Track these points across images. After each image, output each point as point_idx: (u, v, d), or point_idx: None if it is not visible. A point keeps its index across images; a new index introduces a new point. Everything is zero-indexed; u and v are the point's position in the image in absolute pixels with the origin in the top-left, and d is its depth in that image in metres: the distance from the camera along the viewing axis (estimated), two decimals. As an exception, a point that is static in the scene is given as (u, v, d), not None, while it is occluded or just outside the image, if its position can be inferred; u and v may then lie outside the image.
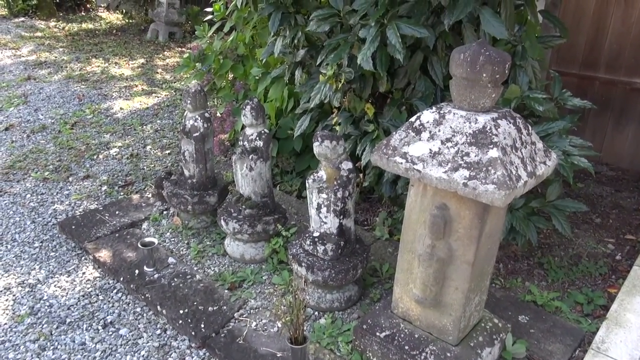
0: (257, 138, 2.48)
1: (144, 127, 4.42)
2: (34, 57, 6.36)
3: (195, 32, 4.28)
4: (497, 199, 1.43)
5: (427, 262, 1.74)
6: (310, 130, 3.07)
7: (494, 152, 1.49)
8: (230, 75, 4.08)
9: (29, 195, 3.27)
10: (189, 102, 2.67)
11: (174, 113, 4.75)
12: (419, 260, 1.77)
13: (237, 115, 3.69)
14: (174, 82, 5.69)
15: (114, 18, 9.52)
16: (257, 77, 3.44)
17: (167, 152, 3.98)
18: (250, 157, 2.47)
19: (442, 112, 1.66)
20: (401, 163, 1.63)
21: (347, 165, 2.13)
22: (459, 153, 1.55)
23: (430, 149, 1.60)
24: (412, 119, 1.71)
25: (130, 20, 8.90)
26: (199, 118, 2.71)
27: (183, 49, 7.43)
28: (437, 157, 1.58)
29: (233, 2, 3.72)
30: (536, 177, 1.59)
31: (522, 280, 2.51)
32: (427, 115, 1.68)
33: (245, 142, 2.51)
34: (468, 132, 1.56)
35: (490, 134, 1.52)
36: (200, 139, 2.71)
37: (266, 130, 2.51)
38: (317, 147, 2.10)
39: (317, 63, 2.67)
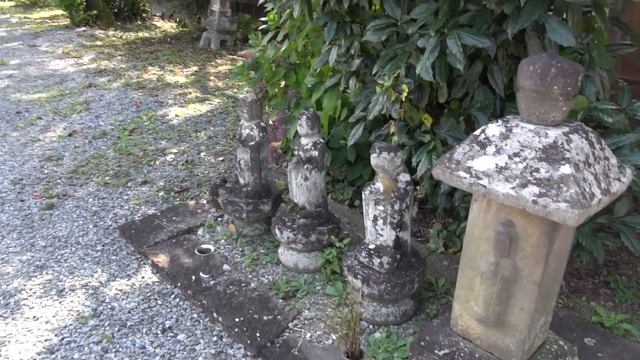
0: (313, 148, 2.49)
1: (198, 133, 4.53)
2: (94, 65, 6.65)
3: (249, 41, 4.35)
4: (569, 218, 1.37)
5: (491, 280, 1.69)
6: (363, 139, 3.06)
7: (566, 169, 1.43)
8: (282, 83, 4.13)
9: (91, 200, 3.41)
10: (245, 111, 2.72)
11: (226, 120, 4.84)
12: (482, 278, 1.72)
13: (289, 123, 3.73)
14: (226, 90, 5.81)
15: (169, 27, 9.84)
16: (310, 86, 3.45)
17: (220, 159, 4.06)
18: (305, 166, 2.48)
19: (508, 125, 1.61)
20: (465, 178, 1.59)
21: (405, 177, 2.10)
22: (527, 169, 1.49)
23: (496, 164, 1.56)
24: (477, 132, 1.66)
25: (184, 29, 9.17)
26: (255, 127, 2.75)
27: (234, 56, 7.59)
28: (503, 173, 1.53)
29: (287, 12, 3.77)
30: (610, 195, 1.52)
31: (587, 299, 2.40)
32: (493, 129, 1.63)
33: (301, 152, 2.52)
34: (537, 147, 1.50)
35: (562, 149, 1.46)
36: (255, 148, 2.74)
37: (321, 140, 2.51)
38: (374, 159, 2.08)
39: (373, 73, 2.66)
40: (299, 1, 2.79)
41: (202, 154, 4.15)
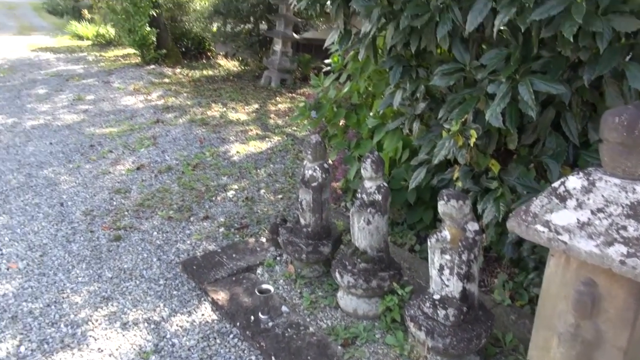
0: (376, 192, 2.47)
1: (258, 170, 4.62)
2: (162, 102, 6.99)
3: (308, 80, 4.44)
4: (664, 283, 1.27)
5: (570, 343, 1.58)
6: (425, 182, 3.01)
7: (658, 229, 1.33)
8: (342, 121, 4.17)
9: (155, 233, 3.51)
10: (309, 152, 2.75)
11: (285, 158, 4.92)
12: (559, 340, 1.61)
13: (349, 163, 3.74)
14: (286, 127, 5.93)
15: (231, 65, 10.25)
16: (371, 127, 3.46)
17: (280, 196, 4.11)
18: (368, 210, 2.45)
19: (590, 178, 1.53)
20: (543, 232, 1.52)
21: (473, 226, 2.04)
22: (613, 226, 1.41)
23: (577, 219, 1.48)
24: (556, 184, 1.60)
25: (246, 67, 9.51)
26: (318, 168, 2.77)
27: (294, 94, 7.77)
28: (586, 229, 1.45)
29: (350, 54, 3.83)
30: None
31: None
32: (573, 181, 1.56)
33: (364, 195, 2.51)
34: (624, 203, 1.42)
35: (653, 208, 1.37)
36: (318, 189, 2.76)
37: (385, 184, 2.49)
38: (442, 206, 2.03)
39: (438, 117, 2.63)
40: (365, 45, 2.83)
41: (262, 191, 4.21)
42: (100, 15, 13.68)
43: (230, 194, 4.16)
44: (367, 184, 2.52)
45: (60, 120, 6.09)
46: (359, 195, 2.54)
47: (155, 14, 9.53)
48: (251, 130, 5.77)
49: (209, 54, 10.92)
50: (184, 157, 4.91)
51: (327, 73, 4.16)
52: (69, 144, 5.29)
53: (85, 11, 15.39)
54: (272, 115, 6.45)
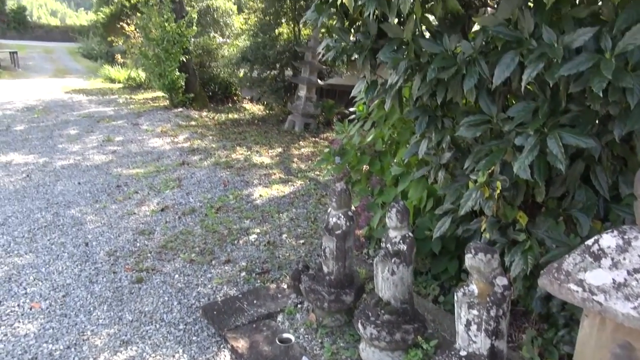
0: (401, 241, 2.44)
1: (281, 214, 4.63)
2: (188, 144, 7.14)
3: (332, 125, 4.50)
4: None
5: (608, 410, 1.50)
6: (450, 232, 2.97)
7: (700, 293, 1.28)
8: (365, 168, 4.18)
9: (177, 276, 3.52)
10: (334, 200, 2.75)
11: (308, 202, 4.93)
12: (596, 406, 1.53)
13: (372, 210, 3.72)
14: (308, 172, 5.97)
15: (256, 109, 10.48)
16: (396, 175, 3.46)
17: (302, 241, 4.09)
18: (392, 260, 2.42)
19: (626, 237, 1.49)
20: (577, 291, 1.47)
21: (502, 281, 1.99)
22: (651, 288, 1.36)
23: (613, 279, 1.43)
24: (589, 242, 1.56)
25: (270, 112, 9.71)
26: (342, 216, 2.76)
27: (317, 139, 7.87)
28: (622, 290, 1.40)
29: (375, 102, 3.89)
30: None
31: None
32: (608, 240, 1.52)
33: (388, 245, 2.48)
34: (663, 265, 1.37)
35: (693, 270, 1.32)
36: (342, 237, 2.74)
37: (410, 235, 2.47)
38: (469, 259, 1.99)
39: (465, 167, 2.62)
40: (391, 95, 2.87)
41: (284, 235, 4.21)
42: (132, 60, 14.24)
43: (252, 237, 4.16)
44: (392, 233, 2.49)
45: (89, 161, 6.25)
46: (383, 245, 2.52)
47: (185, 60, 9.87)
48: (274, 173, 5.83)
49: (235, 98, 11.21)
50: (208, 199, 4.97)
51: (351, 120, 4.21)
52: (96, 184, 5.40)
53: (118, 56, 16.04)
54: (296, 159, 6.51)
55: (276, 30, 8.83)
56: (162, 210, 4.71)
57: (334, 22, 3.10)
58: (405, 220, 2.46)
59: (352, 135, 4.13)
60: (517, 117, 2.27)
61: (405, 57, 2.62)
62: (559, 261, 1.58)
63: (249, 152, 6.76)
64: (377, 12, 2.59)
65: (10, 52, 17.27)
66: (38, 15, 48.26)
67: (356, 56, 3.04)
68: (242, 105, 10.87)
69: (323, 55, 3.22)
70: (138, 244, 4.00)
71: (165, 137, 7.60)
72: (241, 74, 10.02)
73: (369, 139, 3.93)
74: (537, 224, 2.49)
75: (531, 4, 2.30)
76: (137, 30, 12.82)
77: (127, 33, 13.99)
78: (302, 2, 8.45)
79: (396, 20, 2.73)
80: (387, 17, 2.65)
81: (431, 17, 2.83)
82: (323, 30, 3.20)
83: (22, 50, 19.56)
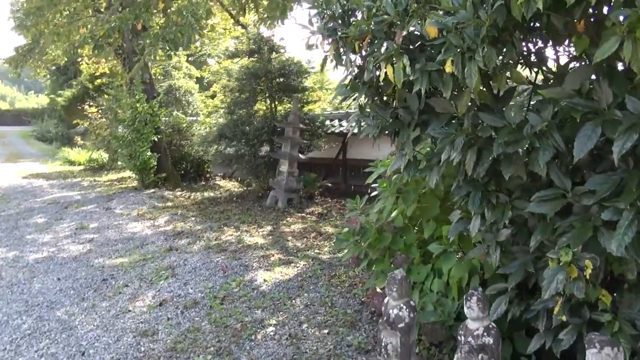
0: (485, 334, 2.17)
1: (293, 301, 4.25)
2: (170, 227, 6.69)
3: (347, 206, 4.27)
4: None
5: None
6: (508, 314, 2.72)
7: None
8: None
9: (198, 386, 3.04)
10: (394, 289, 2.47)
11: (318, 285, 4.58)
12: None
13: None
14: (308, 251, 5.65)
15: (231, 186, 10.18)
16: (437, 254, 3.23)
17: (326, 331, 3.71)
18: (479, 356, 2.13)
19: None
20: None
21: (633, 377, 1.73)
22: None
23: None
24: None
25: (248, 188, 9.42)
26: (404, 307, 2.47)
27: (303, 214, 7.61)
28: None
29: (395, 177, 3.71)
30: None
31: None
32: None
33: (470, 338, 2.20)
34: None
35: None
36: (406, 331, 2.43)
37: (494, 325, 2.20)
38: (594, 355, 1.74)
39: (531, 244, 2.43)
40: (440, 172, 2.69)
41: (304, 325, 3.81)
42: (93, 142, 13.78)
43: (270, 330, 3.74)
44: (473, 325, 2.22)
45: (65, 252, 5.69)
46: (462, 339, 2.23)
47: (156, 139, 9.58)
48: (272, 254, 5.46)
49: (207, 175, 10.89)
50: (209, 289, 4.52)
51: (371, 198, 3.99)
52: (78, 278, 4.86)
53: (78, 137, 15.52)
54: (290, 238, 6.19)
55: (254, 107, 8.75)
56: (160, 304, 4.23)
57: (367, 99, 2.96)
58: (487, 309, 2.21)
59: (364, 210, 3.92)
60: (600, 191, 2.12)
61: (461, 132, 2.47)
62: None
63: (239, 233, 6.38)
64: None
65: (-41, 138, 16.43)
66: (-15, 99, 47.05)
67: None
68: (216, 182, 10.54)
69: (356, 133, 3.05)
70: (143, 348, 3.50)
71: (144, 220, 7.12)
72: (213, 151, 9.78)
73: (393, 215, 3.71)
74: (623, 302, 2.29)
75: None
76: (103, 111, 12.51)
77: (89, 115, 13.62)
78: (278, 80, 8.46)
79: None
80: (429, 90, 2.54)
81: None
82: (354, 105, 3.04)
83: (-29, 136, 18.71)
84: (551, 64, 2.79)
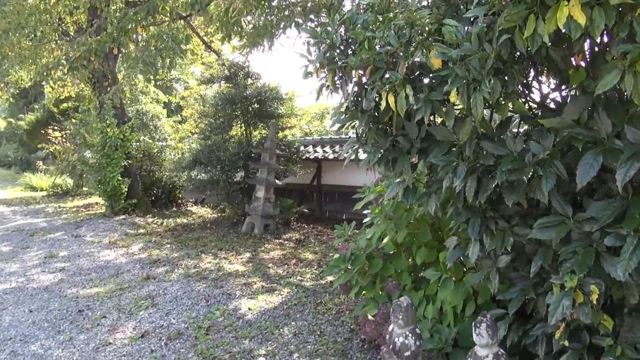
0: (495, 360, 2.17)
1: (281, 330, 4.15)
2: (145, 255, 6.49)
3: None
4: None
5: None
6: (509, 341, 2.75)
7: None
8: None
9: (191, 422, 2.91)
10: (400, 317, 2.45)
11: (305, 313, 4.50)
12: None
13: (399, 319, 3.42)
14: (290, 277, 5.57)
15: (204, 212, 10.00)
16: (435, 281, 3.24)
17: (318, 360, 3.64)
18: (491, 384, 2.12)
19: None
20: None
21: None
22: None
23: None
24: None
25: (222, 214, 9.28)
26: (410, 335, 2.45)
27: (280, 240, 7.53)
28: None
29: (388, 202, 3.73)
30: None
31: None
32: None
33: (480, 365, 2.19)
34: None
35: None
36: (412, 359, 2.41)
37: (503, 352, 2.21)
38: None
39: (531, 270, 2.47)
40: (433, 197, 2.73)
41: (295, 355, 3.73)
42: (57, 167, 13.33)
43: (260, 361, 3.64)
44: (482, 351, 2.22)
45: (36, 282, 5.42)
46: (471, 365, 2.22)
47: (127, 164, 9.36)
48: (255, 282, 5.35)
49: (179, 201, 10.68)
50: (193, 318, 4.37)
51: (367, 225, 3.98)
52: (52, 310, 4.62)
53: (40, 162, 14.97)
54: (270, 265, 6.09)
55: (229, 132, 8.69)
56: (142, 336, 4.05)
57: (365, 127, 2.98)
58: (496, 336, 2.21)
59: (361, 238, 3.91)
60: (603, 217, 2.19)
61: (463, 160, 2.51)
62: None
63: (217, 260, 6.24)
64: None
65: None
66: None
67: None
68: (188, 208, 10.34)
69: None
70: (128, 384, 3.33)
71: (117, 248, 6.88)
72: (184, 177, 9.62)
73: (385, 242, 3.72)
74: (624, 325, 2.34)
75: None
76: (69, 136, 12.17)
77: (53, 140, 13.21)
78: (254, 105, 8.45)
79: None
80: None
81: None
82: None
83: None
84: (536, 96, 2.90)
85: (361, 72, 2.75)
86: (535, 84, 2.84)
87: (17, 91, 18.07)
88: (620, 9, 1.98)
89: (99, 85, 9.76)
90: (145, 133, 13.99)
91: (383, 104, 2.58)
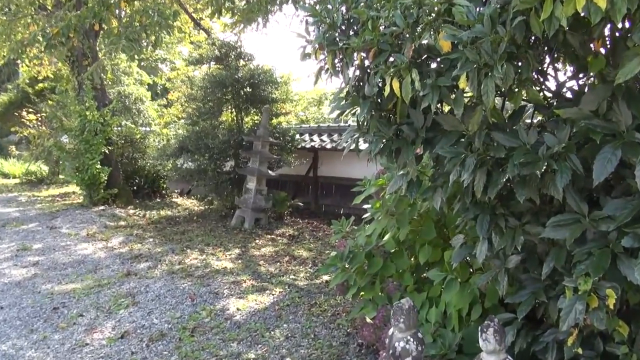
0: (502, 368, 2.19)
1: (271, 332, 4.17)
2: (126, 249, 6.49)
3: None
4: None
5: None
6: (518, 347, 2.77)
7: None
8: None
9: None
10: (401, 320, 2.46)
11: (298, 314, 4.52)
12: None
13: (398, 322, 3.44)
14: (282, 276, 5.58)
15: (190, 203, 10.00)
16: (439, 282, 3.25)
17: (311, 365, 3.66)
18: (497, 393, 2.14)
19: None
20: None
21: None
22: None
23: None
24: None
25: (210, 207, 9.28)
26: (411, 339, 2.46)
27: (272, 236, 7.55)
28: None
29: (390, 197, 3.74)
30: None
31: None
32: None
33: (486, 373, 2.21)
34: None
35: None
36: (413, 365, 2.42)
37: (511, 359, 2.22)
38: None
39: (544, 272, 2.49)
40: (447, 194, 2.73)
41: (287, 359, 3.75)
42: (32, 153, 13.28)
43: (249, 366, 3.66)
44: (489, 358, 2.25)
45: (7, 277, 5.42)
46: (476, 373, 2.24)
47: (107, 151, 9.33)
48: (244, 281, 5.37)
49: (163, 192, 10.67)
50: (177, 318, 4.39)
51: (367, 221, 3.99)
52: (24, 307, 4.62)
53: (13, 147, 14.91)
54: (261, 262, 6.11)
55: (218, 118, 8.67)
56: (122, 337, 4.06)
57: (367, 114, 2.98)
58: (504, 342, 2.23)
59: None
60: (620, 216, 2.20)
61: (472, 151, 2.51)
62: None
63: (204, 256, 6.25)
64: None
65: None
66: None
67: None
68: (173, 200, 10.34)
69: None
70: (106, 387, 3.35)
71: (95, 241, 6.88)
72: (169, 166, 9.60)
73: (385, 239, 3.73)
74: (639, 333, 2.36)
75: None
76: (45, 119, 12.12)
77: (27, 123, 13.15)
78: (246, 89, 8.43)
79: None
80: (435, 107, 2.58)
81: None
82: (352, 119, 3.05)
83: None
84: (551, 84, 2.90)
85: (364, 54, 2.74)
86: (551, 71, 2.84)
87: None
88: (644, -8, 1.98)
89: (78, 65, 9.69)
90: (128, 117, 13.92)
91: (387, 89, 2.57)
